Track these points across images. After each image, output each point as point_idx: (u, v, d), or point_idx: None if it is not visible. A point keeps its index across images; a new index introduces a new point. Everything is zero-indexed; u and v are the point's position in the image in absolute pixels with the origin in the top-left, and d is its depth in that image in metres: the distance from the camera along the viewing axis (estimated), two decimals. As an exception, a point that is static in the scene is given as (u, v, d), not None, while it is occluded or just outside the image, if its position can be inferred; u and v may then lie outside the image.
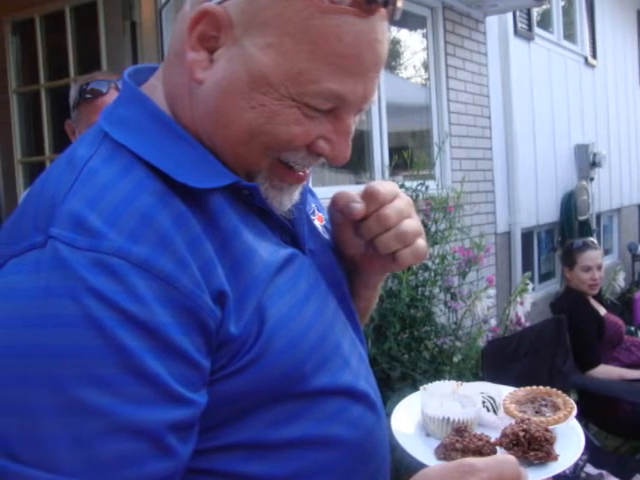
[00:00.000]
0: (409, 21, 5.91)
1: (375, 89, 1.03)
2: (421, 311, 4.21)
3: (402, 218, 1.12)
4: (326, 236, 1.23)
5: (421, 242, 1.14)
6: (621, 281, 6.83)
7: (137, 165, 0.94)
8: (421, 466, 0.99)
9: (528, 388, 1.24)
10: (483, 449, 1.04)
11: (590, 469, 3.80)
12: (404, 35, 6.35)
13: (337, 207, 1.14)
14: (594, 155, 8.37)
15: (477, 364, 4.16)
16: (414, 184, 4.55)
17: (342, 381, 1.06)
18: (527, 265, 7.32)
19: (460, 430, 1.09)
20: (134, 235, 0.86)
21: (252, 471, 0.96)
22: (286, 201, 1.07)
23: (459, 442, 1.05)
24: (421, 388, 1.23)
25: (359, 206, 1.11)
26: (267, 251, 1.01)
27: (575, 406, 1.17)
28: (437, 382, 1.26)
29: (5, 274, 0.88)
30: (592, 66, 9.13)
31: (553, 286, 8.03)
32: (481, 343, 4.40)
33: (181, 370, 0.87)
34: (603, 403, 4.47)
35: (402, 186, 4.43)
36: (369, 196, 1.11)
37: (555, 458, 1.05)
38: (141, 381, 0.83)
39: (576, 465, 3.54)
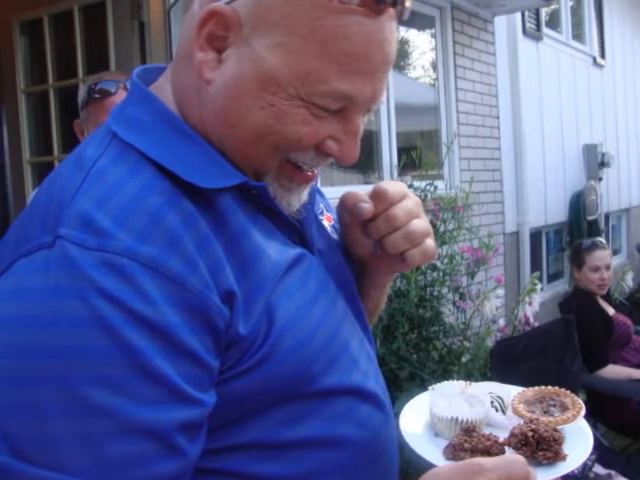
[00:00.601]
0: (418, 21, 5.90)
1: (384, 89, 1.03)
2: (430, 311, 4.21)
3: (411, 218, 1.12)
4: (335, 236, 1.22)
5: (430, 242, 1.14)
6: (629, 281, 6.83)
7: (145, 165, 0.94)
8: (429, 466, 0.99)
9: (537, 388, 1.24)
10: (491, 449, 1.04)
11: (599, 469, 3.79)
12: (413, 35, 6.34)
13: (346, 207, 1.14)
14: (602, 155, 8.35)
15: (485, 364, 4.16)
16: (422, 184, 4.55)
17: (351, 381, 1.06)
18: (536, 265, 7.30)
19: (468, 430, 1.09)
20: (142, 235, 0.86)
21: (261, 471, 0.96)
22: (294, 201, 1.07)
23: (467, 442, 1.05)
24: (430, 388, 1.23)
25: (367, 206, 1.11)
26: (276, 251, 1.01)
27: (584, 406, 1.17)
28: (445, 382, 1.25)
29: (13, 274, 0.88)
30: (600, 66, 9.11)
31: (562, 286, 8.01)
32: (489, 343, 4.40)
33: (190, 370, 0.86)
34: (611, 403, 4.47)
35: (410, 186, 4.43)
36: (377, 196, 1.11)
37: (564, 458, 1.05)
38: (150, 381, 0.83)
39: (584, 465, 3.53)
